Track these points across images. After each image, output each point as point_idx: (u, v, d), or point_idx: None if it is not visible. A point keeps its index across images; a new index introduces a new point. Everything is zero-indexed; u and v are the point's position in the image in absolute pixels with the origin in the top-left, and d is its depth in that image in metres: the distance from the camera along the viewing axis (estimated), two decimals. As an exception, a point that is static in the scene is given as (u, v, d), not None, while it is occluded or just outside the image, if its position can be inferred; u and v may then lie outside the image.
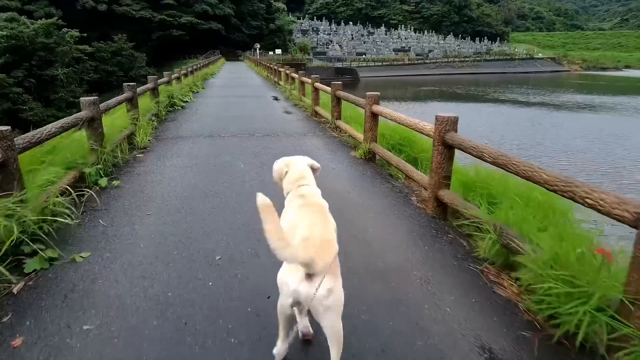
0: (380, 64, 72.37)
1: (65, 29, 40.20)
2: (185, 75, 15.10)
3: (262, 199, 1.50)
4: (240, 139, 7.42)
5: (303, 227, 1.80)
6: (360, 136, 6.32)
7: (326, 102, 10.14)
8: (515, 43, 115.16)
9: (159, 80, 9.91)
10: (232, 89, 17.58)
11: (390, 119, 5.20)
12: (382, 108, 5.50)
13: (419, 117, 4.67)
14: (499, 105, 36.57)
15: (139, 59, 50.49)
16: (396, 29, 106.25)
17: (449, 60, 79.70)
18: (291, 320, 1.85)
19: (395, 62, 74.42)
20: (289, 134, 7.92)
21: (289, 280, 1.66)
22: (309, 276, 1.60)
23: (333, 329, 1.70)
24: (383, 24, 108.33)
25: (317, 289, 1.58)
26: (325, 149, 6.67)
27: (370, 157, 5.93)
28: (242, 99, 13.59)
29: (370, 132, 5.83)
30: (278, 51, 64.15)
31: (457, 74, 72.76)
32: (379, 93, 5.79)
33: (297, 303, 1.68)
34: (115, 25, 50.49)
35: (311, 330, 2.11)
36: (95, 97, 5.25)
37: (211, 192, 4.50)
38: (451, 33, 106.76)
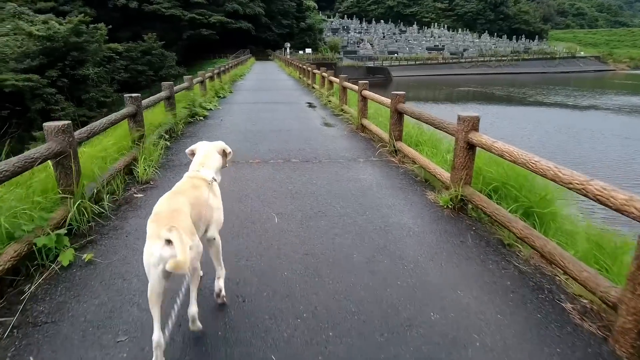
0: (413, 63, 69.61)
1: (93, 26, 39.86)
2: (211, 78, 13.57)
3: None
4: (272, 166, 5.68)
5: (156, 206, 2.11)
6: (442, 173, 4.45)
7: (375, 114, 8.33)
8: (554, 41, 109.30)
9: (177, 87, 8.30)
10: (262, 93, 15.95)
11: (497, 153, 3.36)
12: (486, 137, 3.63)
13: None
14: (545, 109, 33.67)
15: (168, 58, 49.92)
16: (429, 27, 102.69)
17: (485, 59, 75.99)
18: (162, 304, 1.94)
19: (429, 61, 71.48)
20: (333, 158, 6.13)
21: (153, 250, 1.87)
22: (168, 242, 1.82)
23: (195, 273, 2.12)
24: (415, 22, 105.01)
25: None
26: (388, 186, 4.84)
27: (460, 206, 4.07)
28: (273, 106, 11.89)
29: (465, 171, 3.96)
30: (308, 50, 62.54)
31: (494, 73, 69.13)
32: (478, 115, 3.91)
33: (167, 272, 1.84)
34: (146, 25, 50.07)
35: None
36: (68, 123, 3.61)
37: (235, 286, 2.76)
38: (486, 31, 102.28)
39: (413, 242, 3.42)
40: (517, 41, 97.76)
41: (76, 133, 3.78)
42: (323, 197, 4.46)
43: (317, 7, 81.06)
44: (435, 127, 4.63)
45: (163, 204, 2.10)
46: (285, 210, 4.07)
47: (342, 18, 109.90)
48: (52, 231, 3.13)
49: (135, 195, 4.51)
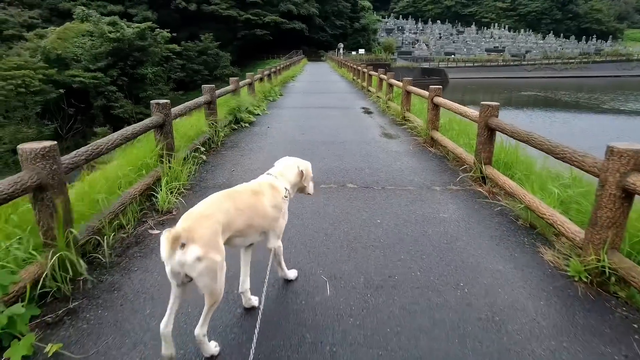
0: (471, 64, 66.21)
1: (157, 30, 40.91)
2: (261, 80, 12.69)
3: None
4: (323, 194, 4.51)
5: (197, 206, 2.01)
6: (570, 227, 3.06)
7: (448, 125, 6.96)
8: (630, 41, 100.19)
9: (220, 90, 7.37)
10: (314, 96, 14.89)
11: None
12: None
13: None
14: (626, 118, 30.18)
15: (223, 58, 50.51)
16: (488, 27, 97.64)
17: (550, 61, 70.72)
18: (175, 297, 1.90)
19: (488, 63, 67.65)
20: (400, 183, 4.87)
21: (162, 249, 1.74)
22: (182, 245, 1.74)
23: (206, 288, 1.86)
24: (474, 23, 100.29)
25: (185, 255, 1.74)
26: (481, 234, 3.51)
27: (601, 281, 2.69)
28: (325, 112, 10.77)
29: (612, 229, 2.59)
30: (361, 51, 61.11)
31: (559, 77, 64.12)
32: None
33: (175, 272, 1.80)
34: (203, 25, 50.97)
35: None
36: (50, 145, 2.66)
37: None
38: (551, 32, 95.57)
39: (544, 352, 2.11)
40: (586, 42, 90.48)
41: (67, 158, 2.81)
42: (393, 249, 3.23)
43: (372, 7, 79.27)
44: (560, 159, 3.23)
45: (201, 205, 2.01)
46: (341, 272, 2.89)
47: (397, 18, 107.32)
48: (9, 303, 2.16)
49: (150, 231, 3.52)
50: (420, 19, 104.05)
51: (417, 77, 53.50)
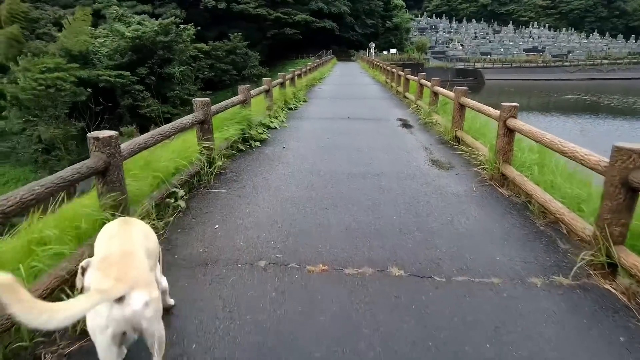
0: (509, 65, 62.57)
1: (182, 25, 40.06)
2: (282, 84, 11.00)
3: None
4: (350, 290, 2.71)
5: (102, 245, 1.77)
6: None
7: (523, 154, 5.05)
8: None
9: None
10: (342, 103, 13.06)
11: None
12: None
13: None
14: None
15: (252, 58, 49.38)
16: (527, 26, 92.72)
17: (595, 62, 65.97)
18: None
19: (527, 64, 63.77)
20: (474, 267, 3.00)
21: (100, 312, 1.47)
22: (119, 299, 1.47)
23: (157, 335, 1.64)
24: (511, 22, 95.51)
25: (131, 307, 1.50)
26: None
27: None
28: (354, 125, 8.94)
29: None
30: (393, 50, 58.72)
31: (605, 79, 59.57)
32: None
33: (121, 333, 1.53)
34: (233, 24, 49.98)
35: None
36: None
37: None
38: (595, 30, 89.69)
39: None
40: (635, 41, 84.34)
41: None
42: None
43: (404, 5, 76.40)
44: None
45: (113, 243, 1.75)
46: None
47: (430, 17, 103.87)
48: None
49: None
50: (454, 18, 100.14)
51: (451, 77, 50.74)
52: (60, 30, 35.55)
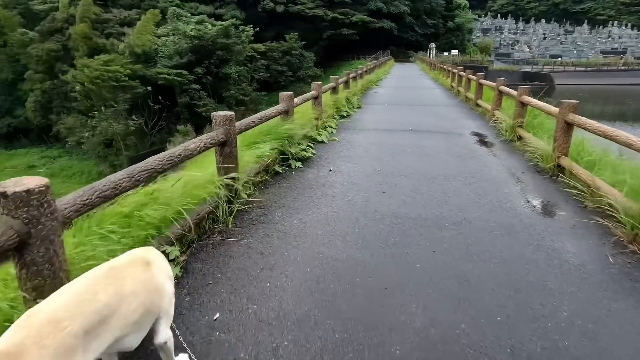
0: (583, 68, 56.95)
1: (241, 27, 39.96)
2: (333, 89, 9.59)
3: None
4: None
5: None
6: None
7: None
8: None
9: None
10: (402, 110, 11.39)
11: None
12: None
13: None
14: None
15: (307, 59, 48.50)
16: (605, 26, 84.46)
17: (687, 65, 58.34)
18: None
19: (605, 67, 57.68)
20: None
21: None
22: None
23: None
24: (586, 21, 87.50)
25: None
26: None
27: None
28: (419, 140, 7.32)
29: None
30: (454, 52, 55.37)
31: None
32: None
33: None
34: (289, 25, 49.40)
35: None
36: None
37: None
38: (688, 30, 79.73)
39: None
40: None
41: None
42: None
43: (468, 5, 72.22)
44: None
45: (55, 299, 1.34)
46: None
47: (495, 17, 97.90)
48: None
49: None
50: (521, 18, 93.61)
51: (516, 81, 46.80)
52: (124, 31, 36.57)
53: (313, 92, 7.24)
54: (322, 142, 6.78)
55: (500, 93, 8.72)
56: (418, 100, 13.68)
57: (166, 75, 35.22)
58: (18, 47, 38.31)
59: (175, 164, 2.87)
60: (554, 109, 5.33)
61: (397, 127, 8.47)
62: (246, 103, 40.90)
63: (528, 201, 4.32)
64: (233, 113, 3.70)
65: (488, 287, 2.70)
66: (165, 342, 1.72)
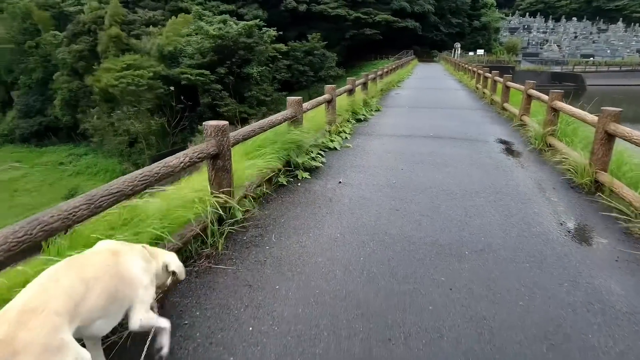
0: (617, 69, 54.40)
1: (264, 29, 39.84)
2: (350, 92, 9.12)
3: None
4: None
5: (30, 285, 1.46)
6: None
7: None
8: None
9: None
10: (423, 113, 10.82)
11: None
12: None
13: None
14: None
15: (329, 59, 48.02)
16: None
17: None
18: None
19: (640, 67, 54.92)
20: None
21: None
22: None
23: None
24: (621, 19, 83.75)
25: None
26: None
27: None
28: (440, 148, 6.78)
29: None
30: (480, 51, 53.84)
31: None
32: None
33: None
34: (312, 25, 49.05)
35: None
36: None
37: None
38: None
39: None
40: None
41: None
42: None
43: (495, 4, 70.14)
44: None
45: (24, 294, 1.40)
46: None
47: (523, 16, 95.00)
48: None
49: None
50: (551, 17, 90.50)
51: (544, 82, 44.97)
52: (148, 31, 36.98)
53: (326, 96, 6.80)
54: (335, 149, 6.34)
55: (529, 97, 8.07)
56: (440, 102, 13.04)
57: (189, 75, 35.42)
58: (49, 48, 39.40)
59: (151, 184, 2.50)
60: (593, 118, 4.74)
61: (417, 133, 7.94)
62: (267, 103, 40.78)
63: (561, 224, 3.77)
64: (226, 122, 3.32)
65: (513, 339, 2.22)
66: (141, 326, 1.79)
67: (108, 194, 2.18)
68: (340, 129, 7.28)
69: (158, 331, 1.92)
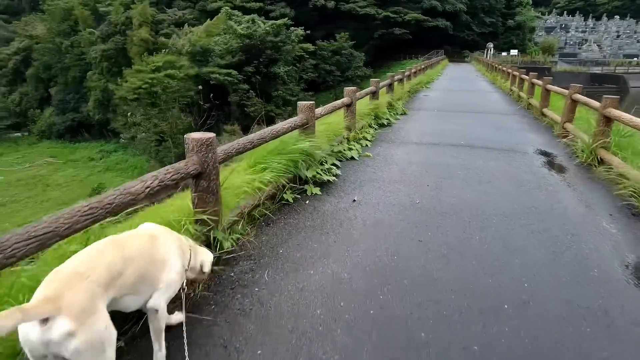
0: (664, 70, 50.91)
1: (292, 28, 39.44)
2: (372, 94, 8.38)
3: None
4: None
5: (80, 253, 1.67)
6: None
7: None
8: None
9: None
10: (453, 118, 9.94)
11: None
12: None
13: None
14: None
15: (356, 59, 47.16)
16: (691, 22, 75.66)
17: None
18: None
19: (690, 69, 51.23)
20: None
21: (22, 329, 1.35)
22: (45, 320, 1.33)
23: None
24: (669, 16, 78.82)
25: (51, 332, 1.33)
26: None
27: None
28: (472, 160, 5.97)
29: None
30: (514, 52, 51.62)
31: None
32: None
33: (42, 357, 1.36)
34: (340, 24, 48.28)
35: None
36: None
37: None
38: None
39: None
40: None
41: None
42: None
43: (530, 2, 67.21)
44: None
45: (74, 260, 1.60)
46: None
47: (560, 15, 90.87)
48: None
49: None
50: (590, 15, 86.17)
51: (583, 84, 42.48)
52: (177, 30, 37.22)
53: (345, 99, 6.14)
54: (352, 158, 5.68)
55: (574, 102, 7.14)
56: (472, 106, 12.10)
57: (217, 75, 35.40)
58: (85, 46, 40.32)
59: (98, 220, 1.93)
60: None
61: (446, 141, 7.16)
62: (293, 103, 40.42)
63: (627, 266, 3.00)
64: (213, 135, 2.74)
65: None
66: (156, 310, 1.84)
67: (28, 237, 1.63)
68: (361, 136, 6.61)
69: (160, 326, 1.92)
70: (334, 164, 5.08)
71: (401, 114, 9.72)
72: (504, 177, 5.05)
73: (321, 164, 4.83)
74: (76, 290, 1.42)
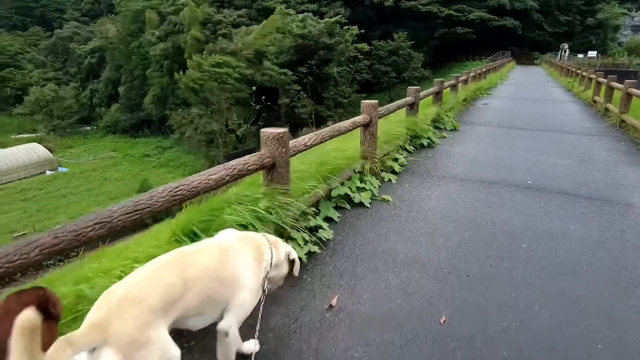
0: None
1: (346, 27, 37.71)
2: (411, 105, 6.42)
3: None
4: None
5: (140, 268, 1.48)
6: None
7: None
8: None
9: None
10: (517, 139, 7.54)
11: None
12: None
13: None
14: None
15: (415, 59, 44.34)
16: None
17: None
18: None
19: None
20: None
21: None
22: (93, 349, 1.18)
23: None
24: None
25: None
26: None
27: None
28: (542, 212, 3.92)
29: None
30: (592, 53, 45.96)
31: None
32: None
33: None
34: (399, 23, 45.69)
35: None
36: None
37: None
38: None
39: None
40: None
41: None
42: None
43: (616, -3, 59.66)
44: None
45: (129, 280, 1.40)
46: None
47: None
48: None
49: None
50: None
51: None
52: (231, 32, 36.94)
53: (358, 118, 4.31)
54: (361, 205, 3.89)
55: None
56: (543, 121, 9.59)
57: (273, 73, 34.52)
58: (148, 46, 41.55)
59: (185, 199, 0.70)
60: None
61: (506, 177, 5.07)
62: (344, 105, 38.65)
63: None
64: (285, 130, 1.23)
65: None
66: (226, 334, 1.65)
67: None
68: (382, 166, 4.78)
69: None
70: (326, 218, 3.35)
71: (451, 130, 7.67)
72: (597, 260, 3.00)
73: (303, 217, 3.11)
74: (126, 317, 1.25)
